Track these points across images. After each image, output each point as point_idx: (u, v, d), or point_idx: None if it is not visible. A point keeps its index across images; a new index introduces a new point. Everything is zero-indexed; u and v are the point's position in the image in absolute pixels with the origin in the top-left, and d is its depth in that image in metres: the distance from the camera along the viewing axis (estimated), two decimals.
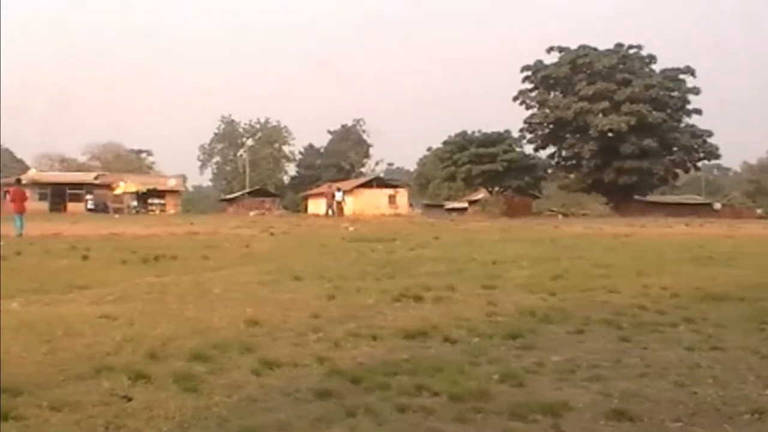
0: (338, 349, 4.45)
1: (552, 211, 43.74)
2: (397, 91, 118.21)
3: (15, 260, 9.79)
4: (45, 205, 44.43)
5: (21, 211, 16.95)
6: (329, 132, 79.39)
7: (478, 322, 5.29)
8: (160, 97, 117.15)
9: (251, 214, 45.33)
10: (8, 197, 18.09)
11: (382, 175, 63.24)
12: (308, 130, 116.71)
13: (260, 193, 57.77)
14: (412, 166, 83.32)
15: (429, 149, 69.50)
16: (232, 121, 78.76)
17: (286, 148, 78.05)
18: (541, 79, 43.94)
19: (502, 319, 5.49)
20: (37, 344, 4.36)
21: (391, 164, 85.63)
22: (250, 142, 76.61)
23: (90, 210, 44.39)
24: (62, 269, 8.71)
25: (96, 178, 49.82)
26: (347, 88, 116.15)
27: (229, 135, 78.28)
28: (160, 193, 49.48)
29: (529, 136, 44.29)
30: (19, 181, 18.73)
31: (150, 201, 48.55)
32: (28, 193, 18.57)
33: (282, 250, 12.70)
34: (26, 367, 3.88)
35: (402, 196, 46.19)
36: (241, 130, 78.74)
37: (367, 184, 46.84)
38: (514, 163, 40.72)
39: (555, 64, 43.73)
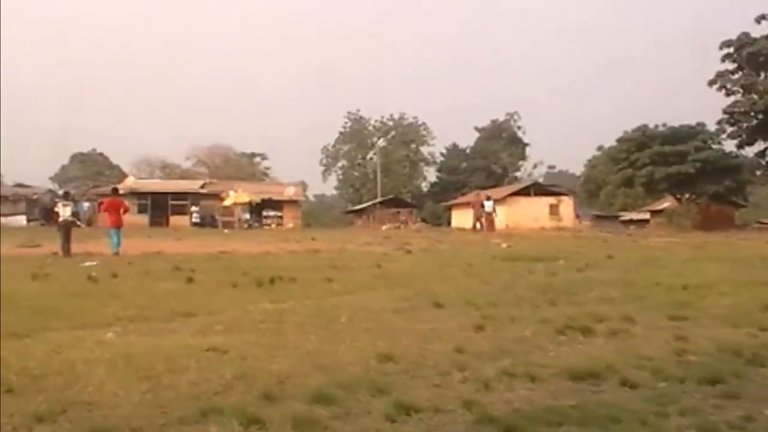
0: (488, 391, 4.40)
1: (762, 222, 41.11)
2: (557, 80, 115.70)
3: (110, 283, 10.31)
4: (144, 219, 48.07)
5: (118, 225, 17.98)
6: (476, 129, 78.30)
7: (665, 362, 5.14)
8: (274, 91, 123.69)
9: (383, 227, 46.46)
10: (102, 208, 19.40)
11: (541, 180, 61.81)
12: (451, 127, 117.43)
13: (394, 202, 58.62)
14: (578, 168, 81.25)
15: (600, 148, 66.91)
16: (361, 117, 78.15)
17: (424, 149, 77.07)
18: (747, 57, 40.13)
19: (696, 359, 5.31)
20: (135, 381, 4.52)
21: (552, 167, 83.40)
22: (381, 142, 75.25)
23: (195, 224, 47.14)
24: (164, 294, 9.23)
25: (202, 186, 52.71)
26: (498, 77, 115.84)
27: (357, 134, 77.75)
28: (277, 204, 51.15)
29: (730, 129, 41.08)
30: (115, 190, 20.35)
31: (265, 213, 50.45)
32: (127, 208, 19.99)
33: (421, 270, 12.80)
34: (122, 407, 4.00)
35: (566, 205, 45.21)
36: (371, 128, 78.15)
37: (524, 191, 46.06)
38: (710, 163, 38.65)
39: (766, 37, 39.90)
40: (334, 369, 4.91)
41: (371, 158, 77.07)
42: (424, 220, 56.76)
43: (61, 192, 64.85)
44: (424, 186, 78.10)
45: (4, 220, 46.33)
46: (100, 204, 22.05)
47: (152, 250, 18.25)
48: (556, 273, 11.87)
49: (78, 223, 19.28)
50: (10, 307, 7.40)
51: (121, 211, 18.52)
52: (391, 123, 78.12)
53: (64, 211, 17.69)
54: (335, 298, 8.85)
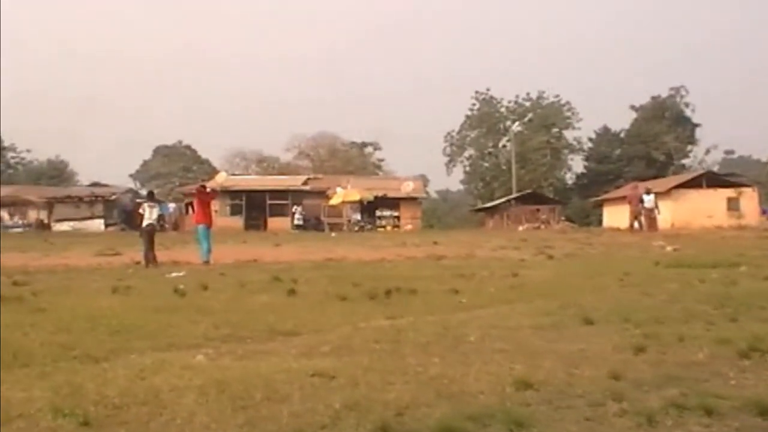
0: (652, 427, 4.35)
1: None
2: (732, 41, 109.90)
3: (200, 297, 10.72)
4: (238, 221, 50.14)
5: (206, 222, 18.77)
6: (633, 108, 75.95)
7: None
8: (386, 70, 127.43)
9: (520, 228, 46.10)
10: (195, 203, 20.37)
11: (716, 168, 59.31)
12: (601, 107, 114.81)
13: (533, 198, 57.78)
14: (764, 154, 77.25)
15: None
16: (491, 98, 77.75)
17: (569, 134, 75.58)
18: None
19: None
20: (229, 411, 4.68)
21: (730, 152, 79.75)
22: (516, 126, 73.97)
23: (297, 227, 48.69)
24: (261, 309, 9.54)
25: (305, 182, 54.35)
26: (659, 42, 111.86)
27: (486, 118, 77.18)
28: (393, 202, 52.11)
29: None
30: (204, 189, 21.28)
31: (378, 213, 51.59)
32: (215, 205, 20.60)
33: (566, 280, 12.71)
34: None
35: (749, 198, 43.14)
36: (503, 110, 77.55)
37: (694, 183, 44.28)
38: None
39: None
40: (463, 398, 4.94)
41: (504, 146, 76.31)
42: (569, 219, 55.67)
43: (142, 191, 68.51)
44: (569, 178, 77.01)
45: (77, 224, 49.99)
46: (188, 205, 23.29)
47: (247, 258, 19.00)
48: (736, 282, 11.49)
49: (165, 226, 20.45)
50: (87, 326, 7.89)
51: (211, 198, 19.66)
52: (527, 103, 76.84)
53: (150, 214, 18.59)
54: (463, 314, 8.90)
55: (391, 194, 52.23)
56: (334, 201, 49.14)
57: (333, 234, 40.75)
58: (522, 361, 5.92)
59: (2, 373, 5.67)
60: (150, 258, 17.70)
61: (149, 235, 18.11)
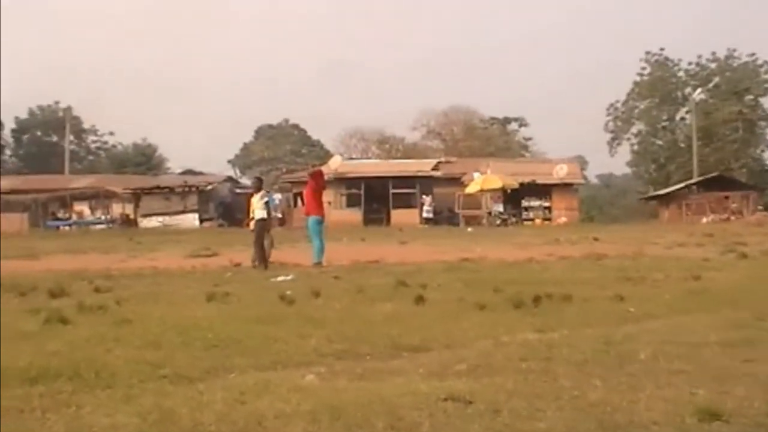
0: None
1: None
2: None
3: (310, 305, 11.00)
4: (357, 214, 51.30)
5: (319, 214, 19.01)
6: None
7: None
8: (532, 30, 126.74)
9: (704, 220, 44.80)
10: (306, 192, 20.55)
11: None
12: None
13: (720, 183, 55.86)
14: None
15: None
16: (666, 59, 75.27)
17: (767, 102, 71.96)
18: None
19: None
20: None
21: None
22: (699, 94, 71.62)
23: (427, 220, 49.48)
24: (384, 319, 9.64)
25: (436, 167, 54.75)
26: None
27: (660, 84, 74.81)
28: (543, 190, 52.03)
29: None
30: (316, 175, 21.00)
31: (525, 203, 51.70)
32: (328, 196, 20.26)
33: (763, 284, 12.39)
34: None
35: None
36: (681, 74, 75.13)
37: None
38: None
39: None
40: (631, 429, 4.88)
41: (683, 119, 74.24)
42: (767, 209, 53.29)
43: (243, 179, 70.63)
44: None
45: (168, 219, 52.08)
46: (297, 196, 23.66)
47: (368, 259, 19.41)
48: None
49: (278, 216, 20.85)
50: (178, 340, 8.17)
51: (322, 186, 19.77)
52: (713, 65, 73.86)
53: (256, 205, 19.08)
54: (630, 326, 8.79)
55: (541, 180, 51.92)
56: (470, 189, 49.19)
57: (469, 229, 40.73)
58: (706, 386, 5.80)
59: (83, 396, 5.95)
60: (262, 258, 18.29)
61: (261, 231, 18.65)
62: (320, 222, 18.97)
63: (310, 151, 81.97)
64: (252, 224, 18.99)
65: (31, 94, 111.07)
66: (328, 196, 32.24)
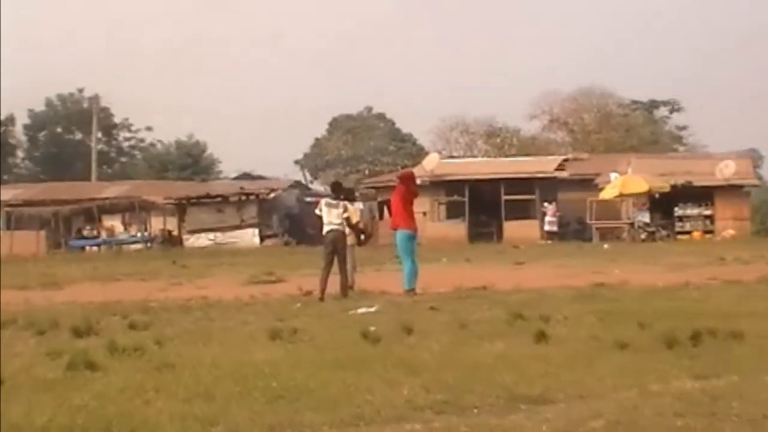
0: None
1: None
2: None
3: (401, 344, 11.09)
4: (459, 228, 51.06)
5: (411, 228, 19.02)
6: None
7: None
8: None
9: None
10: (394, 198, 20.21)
11: None
12: None
13: None
14: None
15: None
16: None
17: None
18: None
19: None
20: None
21: None
22: None
23: (550, 234, 49.17)
24: (496, 362, 9.52)
25: (561, 166, 53.94)
26: None
27: None
28: (703, 194, 50.72)
29: None
30: (406, 178, 20.46)
31: (680, 211, 50.52)
32: (422, 205, 19.70)
33: None
34: None
35: None
36: None
37: None
38: None
39: None
40: None
41: None
42: None
43: (314, 185, 70.70)
44: None
45: (221, 237, 52.68)
46: (382, 205, 23.42)
47: (473, 284, 19.40)
48: None
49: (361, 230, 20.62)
50: (235, 390, 8.23)
51: (414, 192, 19.62)
52: None
53: (330, 216, 18.95)
54: None
55: (700, 181, 50.58)
56: (606, 194, 48.44)
57: (605, 245, 40.21)
58: None
59: None
60: (343, 284, 18.43)
61: (334, 247, 18.64)
62: (412, 238, 19.00)
63: (399, 147, 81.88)
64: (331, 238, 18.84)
65: (49, 81, 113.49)
66: (422, 204, 32.34)
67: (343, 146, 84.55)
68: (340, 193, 19.85)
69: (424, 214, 45.53)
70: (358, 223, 19.55)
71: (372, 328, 12.07)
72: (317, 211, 19.42)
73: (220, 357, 10.07)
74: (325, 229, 18.85)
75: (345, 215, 18.80)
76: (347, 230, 18.97)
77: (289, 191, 59.12)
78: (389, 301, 16.82)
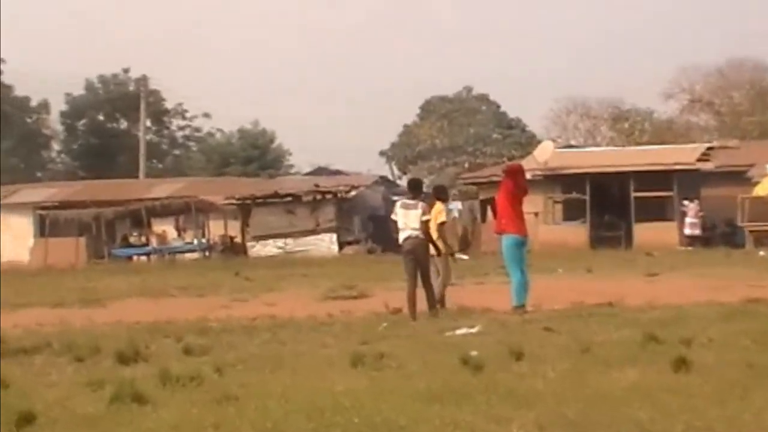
0: None
1: None
2: None
3: (509, 373, 10.99)
4: (579, 232, 50.58)
5: (520, 232, 18.91)
6: None
7: None
8: None
9: None
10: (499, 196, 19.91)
11: None
12: None
13: None
14: None
15: None
16: None
17: None
18: None
19: None
20: None
21: None
22: None
23: (691, 238, 48.75)
24: (626, 394, 9.42)
25: (705, 155, 52.84)
26: None
27: None
28: None
29: None
30: (513, 172, 19.99)
31: None
32: (534, 204, 19.30)
33: None
34: None
35: None
36: None
37: None
38: None
39: None
40: None
41: None
42: None
43: (402, 181, 70.87)
44: None
45: (292, 243, 52.75)
46: (485, 204, 22.95)
47: (597, 299, 19.39)
48: None
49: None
50: (309, 425, 8.31)
51: (523, 189, 19.37)
52: None
53: (407, 220, 18.77)
54: None
55: None
56: (762, 189, 48.00)
57: (761, 252, 39.74)
58: None
59: None
60: (432, 301, 18.46)
61: (414, 257, 18.64)
62: (522, 244, 18.93)
63: (505, 135, 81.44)
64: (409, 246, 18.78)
65: (90, 60, 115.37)
66: (533, 204, 32.04)
67: (438, 134, 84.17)
68: (419, 191, 19.82)
69: (536, 215, 45.26)
70: (443, 224, 19.40)
71: (473, 353, 12.05)
72: (393, 216, 19.40)
73: (292, 387, 10.11)
74: (402, 235, 18.80)
75: (425, 218, 18.65)
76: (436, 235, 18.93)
77: (373, 189, 59.20)
78: (494, 320, 16.79)
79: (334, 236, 54.06)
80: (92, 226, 55.57)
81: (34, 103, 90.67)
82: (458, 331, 15.16)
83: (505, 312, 17.85)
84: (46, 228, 55.18)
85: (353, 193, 56.24)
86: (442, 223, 19.27)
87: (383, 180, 65.45)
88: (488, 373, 10.94)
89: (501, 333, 14.65)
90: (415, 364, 11.87)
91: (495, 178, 37.20)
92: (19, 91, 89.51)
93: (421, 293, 18.41)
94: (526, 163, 29.68)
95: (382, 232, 53.46)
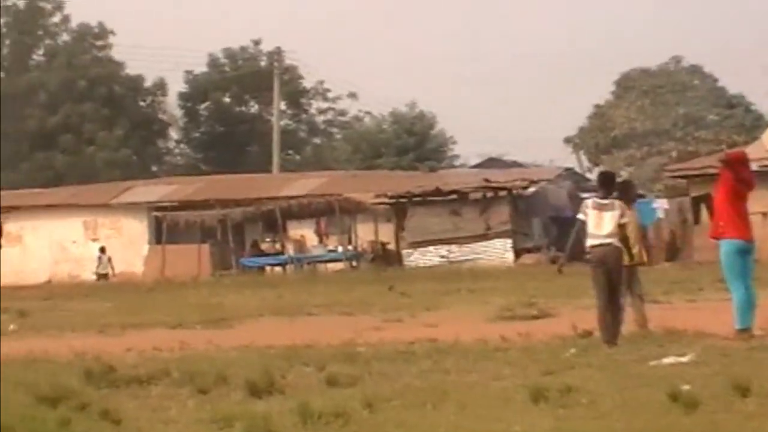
0: None
1: None
2: None
3: (733, 413, 10.84)
4: None
5: (745, 237, 18.60)
6: None
7: None
8: None
9: None
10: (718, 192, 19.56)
11: None
12: None
13: None
14: None
15: None
16: None
17: None
18: None
19: None
20: None
21: None
22: None
23: None
24: None
25: None
26: None
27: None
28: None
29: None
30: (735, 160, 19.58)
31: None
32: (760, 204, 19.04)
33: None
34: None
35: None
36: None
37: None
38: None
39: None
40: None
41: None
42: None
43: (591, 174, 71.16)
44: None
45: (457, 251, 52.67)
46: (698, 201, 22.59)
47: None
48: None
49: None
50: None
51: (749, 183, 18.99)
52: None
53: (599, 223, 18.63)
54: None
55: None
56: None
57: None
58: None
59: None
60: (613, 322, 18.21)
61: (606, 272, 18.46)
62: (746, 251, 18.57)
63: (724, 116, 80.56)
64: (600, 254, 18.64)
65: (214, 31, 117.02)
66: (760, 201, 31.35)
67: (638, 116, 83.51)
68: (612, 188, 19.54)
69: (765, 215, 44.43)
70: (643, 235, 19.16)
71: (685, 387, 11.84)
72: (580, 216, 19.10)
73: (459, 426, 10.11)
74: (591, 242, 18.59)
75: (623, 221, 18.47)
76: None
77: (557, 184, 59.00)
78: (710, 346, 16.52)
79: (509, 242, 54.06)
80: (217, 231, 56.47)
81: (148, 83, 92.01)
82: (665, 360, 14.99)
83: (724, 337, 17.57)
84: (163, 233, 56.19)
85: (532, 189, 56.15)
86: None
87: (569, 173, 65.20)
88: (705, 412, 10.76)
89: (720, 363, 14.44)
90: (611, 400, 11.73)
91: (710, 170, 36.65)
92: (131, 69, 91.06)
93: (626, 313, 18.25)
94: (752, 151, 29.24)
95: (567, 237, 52.99)
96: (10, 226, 61.17)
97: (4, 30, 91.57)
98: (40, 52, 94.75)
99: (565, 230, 53.66)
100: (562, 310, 22.13)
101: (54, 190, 70.01)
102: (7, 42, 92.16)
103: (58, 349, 18.55)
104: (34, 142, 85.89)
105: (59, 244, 62.00)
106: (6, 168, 77.70)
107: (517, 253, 53.00)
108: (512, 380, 13.42)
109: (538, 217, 55.19)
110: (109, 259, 56.28)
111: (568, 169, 66.63)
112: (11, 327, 25.66)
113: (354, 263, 53.75)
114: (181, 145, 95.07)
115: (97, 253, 57.46)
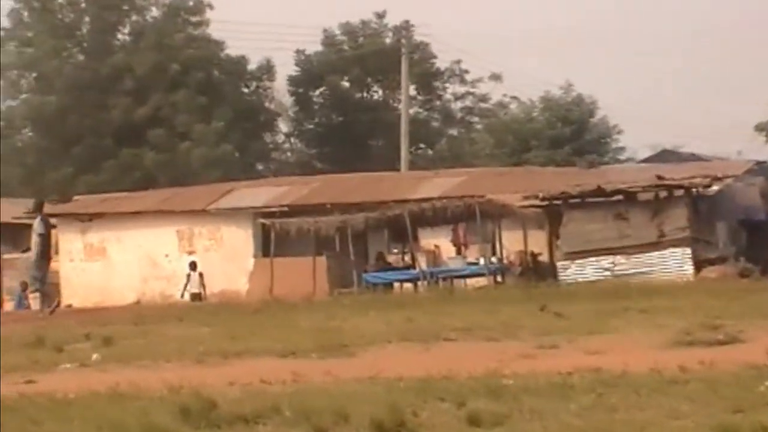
0: None
1: None
2: None
3: None
4: None
5: None
6: None
7: None
8: None
9: None
10: None
11: None
12: None
13: None
14: None
15: None
16: None
17: None
18: None
19: None
20: None
21: None
22: None
23: None
24: None
25: None
26: None
27: None
28: None
29: None
30: None
31: None
32: None
33: None
34: None
35: None
36: None
37: None
38: None
39: None
40: None
41: None
42: None
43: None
44: None
45: (623, 262, 52.75)
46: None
47: None
48: None
49: None
50: None
51: None
52: None
53: None
54: None
55: None
56: None
57: None
58: None
59: None
60: None
61: None
62: None
63: None
64: None
65: (330, 3, 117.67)
66: None
67: None
68: None
69: None
70: None
71: None
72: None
73: None
74: None
75: None
76: None
77: (746, 181, 58.69)
78: None
79: (687, 252, 53.64)
80: (335, 241, 56.44)
81: (252, 65, 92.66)
82: None
83: None
84: (271, 244, 56.38)
85: (716, 187, 55.73)
86: None
87: (762, 167, 64.60)
88: None
89: None
90: None
91: None
92: (232, 50, 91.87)
93: None
94: None
95: (761, 245, 52.87)
96: (92, 237, 62.23)
97: (83, 5, 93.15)
98: (126, 30, 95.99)
99: (757, 237, 53.72)
100: (754, 335, 21.99)
101: (142, 194, 70.90)
102: (87, 19, 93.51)
103: (150, 383, 18.81)
104: (118, 137, 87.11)
105: (149, 258, 62.90)
106: (86, 169, 78.73)
107: (698, 265, 52.57)
108: (693, 419, 13.36)
109: (724, 222, 54.87)
110: (200, 275, 57.10)
111: (760, 163, 66.02)
112: (94, 357, 25.96)
113: (499, 278, 53.84)
114: (292, 140, 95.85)
115: (187, 269, 58.05)
